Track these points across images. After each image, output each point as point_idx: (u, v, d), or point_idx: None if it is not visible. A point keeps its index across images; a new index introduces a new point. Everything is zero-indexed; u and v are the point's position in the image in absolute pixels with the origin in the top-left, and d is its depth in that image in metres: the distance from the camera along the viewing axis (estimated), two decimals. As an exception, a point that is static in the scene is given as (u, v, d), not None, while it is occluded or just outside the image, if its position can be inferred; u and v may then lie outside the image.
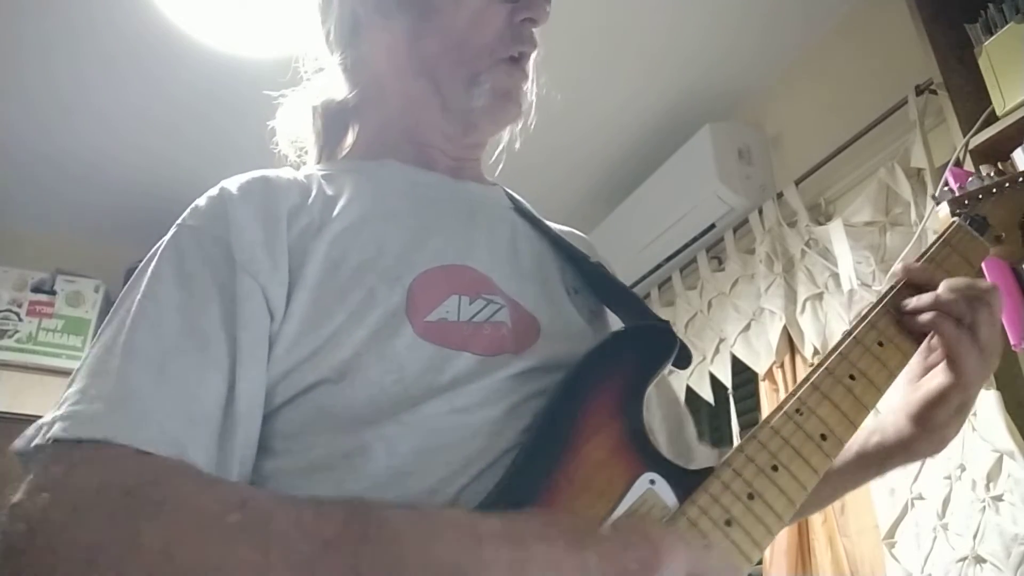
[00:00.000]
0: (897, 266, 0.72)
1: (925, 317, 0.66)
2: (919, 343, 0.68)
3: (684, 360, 0.64)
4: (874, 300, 0.70)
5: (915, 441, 0.71)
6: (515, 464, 0.54)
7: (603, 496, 0.53)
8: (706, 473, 0.56)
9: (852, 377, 0.63)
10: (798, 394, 0.61)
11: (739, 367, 2.07)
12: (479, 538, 0.46)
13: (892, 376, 0.65)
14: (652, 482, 0.54)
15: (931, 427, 0.70)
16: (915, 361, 0.72)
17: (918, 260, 0.74)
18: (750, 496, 0.55)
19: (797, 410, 0.60)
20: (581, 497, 0.52)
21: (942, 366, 0.68)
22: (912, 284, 0.70)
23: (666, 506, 0.53)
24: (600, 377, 0.59)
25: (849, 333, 0.67)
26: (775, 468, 0.56)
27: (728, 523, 0.53)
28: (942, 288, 0.67)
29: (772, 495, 0.55)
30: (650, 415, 0.79)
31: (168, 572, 0.42)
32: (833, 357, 0.64)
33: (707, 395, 2.15)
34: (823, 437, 0.59)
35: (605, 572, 0.46)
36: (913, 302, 0.68)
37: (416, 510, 0.50)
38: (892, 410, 0.74)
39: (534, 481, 0.52)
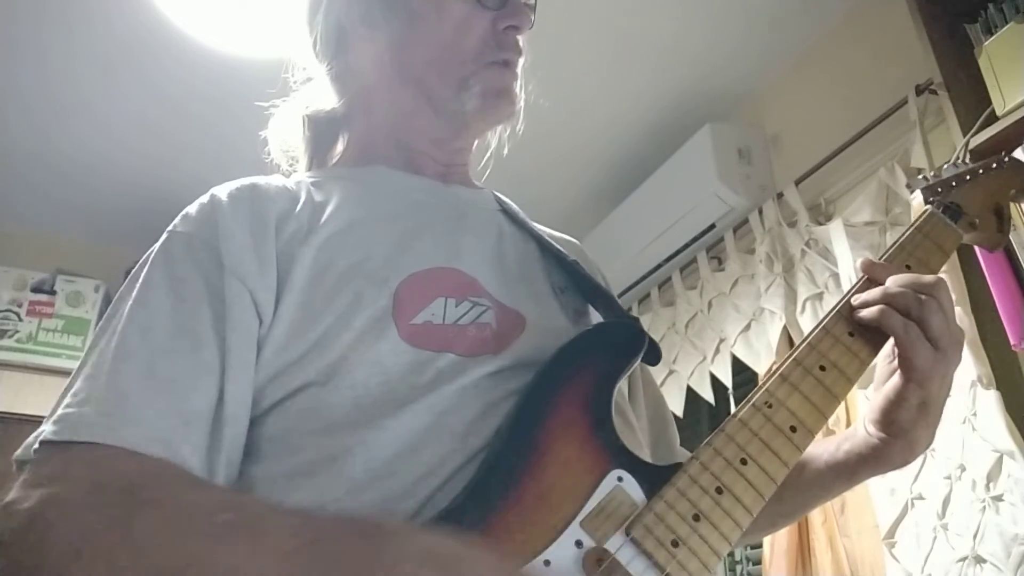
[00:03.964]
0: (858, 263, 0.71)
1: (871, 311, 0.65)
2: (876, 348, 0.67)
3: (653, 356, 0.65)
4: None
5: (885, 447, 0.69)
6: (484, 465, 0.54)
7: (571, 494, 0.53)
8: (674, 468, 0.56)
9: (823, 368, 0.62)
10: (766, 386, 0.61)
11: (739, 367, 2.06)
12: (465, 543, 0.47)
13: (864, 365, 0.64)
14: (620, 479, 0.54)
15: (895, 431, 0.68)
16: (881, 366, 0.70)
17: (891, 248, 0.73)
18: (718, 490, 0.55)
19: (766, 403, 0.60)
20: (550, 496, 0.53)
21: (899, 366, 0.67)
22: (873, 281, 0.68)
23: (634, 502, 0.54)
24: (569, 375, 0.60)
25: (819, 324, 0.66)
26: (744, 461, 0.56)
27: (696, 518, 0.53)
28: (889, 282, 0.66)
29: (741, 488, 0.55)
30: (638, 415, 0.79)
31: (161, 563, 0.43)
32: (802, 348, 0.64)
33: (707, 395, 2.15)
34: (793, 429, 0.59)
35: None
36: (861, 297, 0.66)
37: (405, 524, 0.50)
38: (860, 418, 0.73)
39: (503, 482, 0.53)
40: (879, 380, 0.70)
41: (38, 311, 2.57)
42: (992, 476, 1.35)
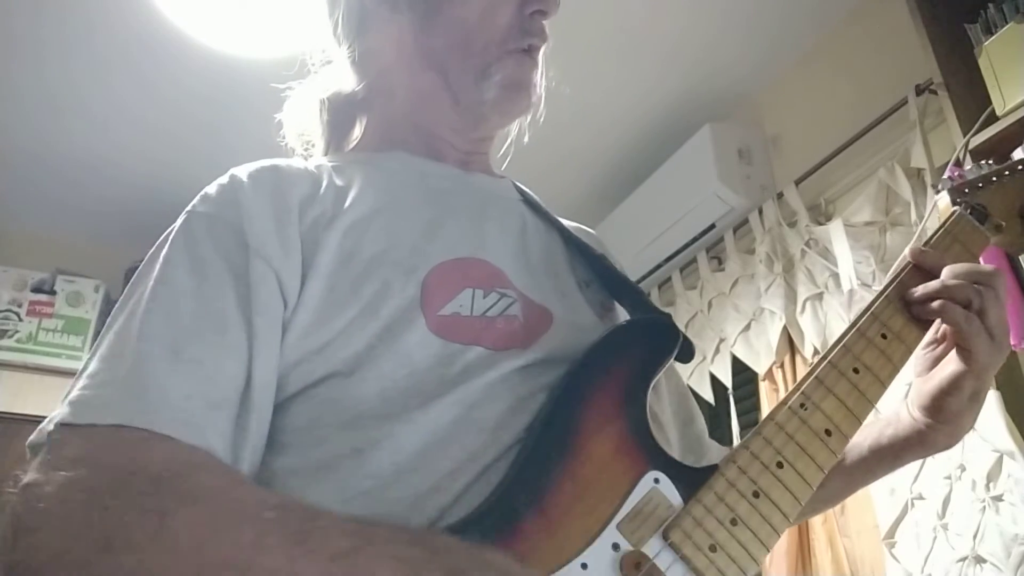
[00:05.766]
0: (907, 250, 0.71)
1: (934, 305, 0.66)
2: (922, 334, 0.67)
3: (687, 354, 0.64)
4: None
5: (931, 433, 0.70)
6: (518, 462, 0.53)
7: (607, 496, 0.52)
8: (711, 470, 0.55)
9: (856, 371, 0.62)
10: (802, 388, 0.60)
11: (739, 367, 2.07)
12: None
13: (896, 369, 0.64)
14: (657, 480, 0.53)
15: (945, 417, 0.69)
16: (922, 354, 0.72)
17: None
18: (755, 494, 0.54)
19: (802, 405, 0.59)
20: (586, 497, 0.52)
21: (953, 355, 0.68)
22: (920, 267, 0.69)
23: (671, 505, 0.53)
24: (603, 372, 0.58)
25: (853, 325, 0.66)
26: (780, 465, 0.56)
27: (733, 522, 0.53)
28: (946, 274, 0.67)
29: (778, 493, 0.55)
30: (660, 409, 0.78)
31: (198, 562, 0.42)
32: (837, 350, 0.63)
33: (707, 395, 2.15)
34: (828, 433, 0.58)
35: None
36: (920, 290, 0.67)
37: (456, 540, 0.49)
38: (905, 403, 0.73)
39: (538, 481, 0.52)
40: (922, 368, 0.71)
41: (38, 311, 2.56)
42: (992, 476, 1.35)
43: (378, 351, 0.57)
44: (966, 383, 0.67)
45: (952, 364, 0.68)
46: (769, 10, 1.95)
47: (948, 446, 0.72)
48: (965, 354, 0.66)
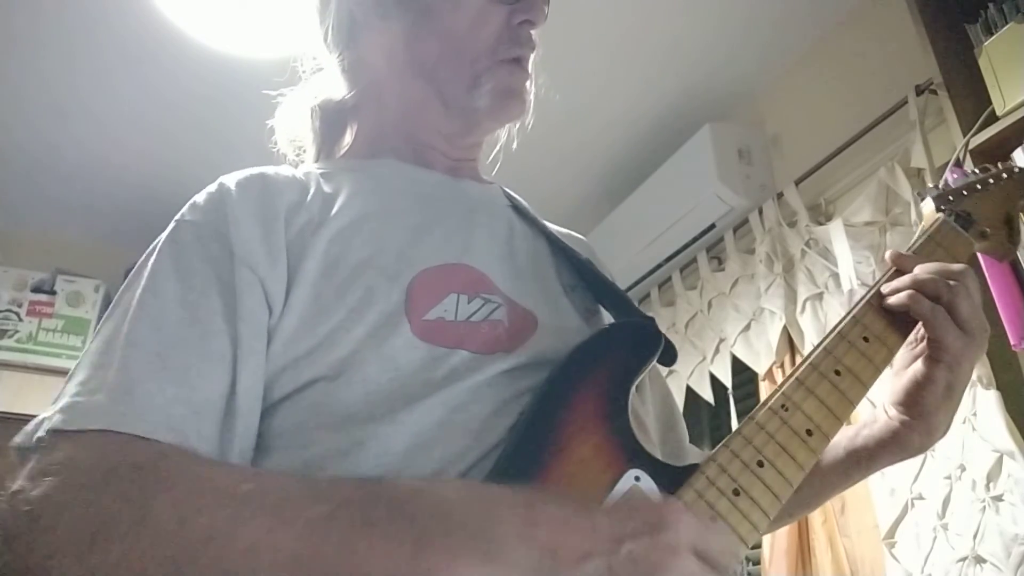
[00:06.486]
0: (887, 255, 0.72)
1: (902, 295, 0.66)
2: (903, 337, 0.68)
3: (669, 357, 0.65)
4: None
5: (905, 431, 0.70)
6: (500, 462, 0.54)
7: (589, 492, 0.53)
8: (692, 469, 0.56)
9: (837, 372, 0.63)
10: (783, 389, 0.61)
11: (739, 367, 2.06)
12: (490, 499, 0.47)
13: (878, 371, 0.65)
14: (637, 479, 0.54)
15: (919, 412, 0.69)
16: (901, 354, 0.72)
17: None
18: (735, 492, 0.55)
19: (783, 406, 0.60)
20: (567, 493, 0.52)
21: (927, 351, 0.69)
22: (901, 271, 0.70)
23: None
24: (585, 374, 0.59)
25: (834, 329, 0.67)
26: (760, 464, 0.56)
27: (714, 520, 0.53)
28: (918, 270, 0.68)
29: (758, 491, 0.55)
30: (644, 412, 0.79)
31: (181, 539, 0.43)
32: (818, 352, 0.64)
33: (707, 395, 2.15)
34: (809, 432, 0.59)
35: (613, 532, 0.46)
36: (893, 284, 0.68)
37: (425, 479, 0.50)
38: (881, 404, 0.74)
39: (520, 477, 0.53)
40: (900, 366, 0.71)
41: (38, 311, 2.57)
42: (992, 476, 1.35)
43: (363, 355, 0.58)
44: (938, 375, 0.67)
45: (925, 359, 0.68)
46: (769, 9, 1.95)
47: (923, 447, 0.71)
48: (935, 346, 0.67)
